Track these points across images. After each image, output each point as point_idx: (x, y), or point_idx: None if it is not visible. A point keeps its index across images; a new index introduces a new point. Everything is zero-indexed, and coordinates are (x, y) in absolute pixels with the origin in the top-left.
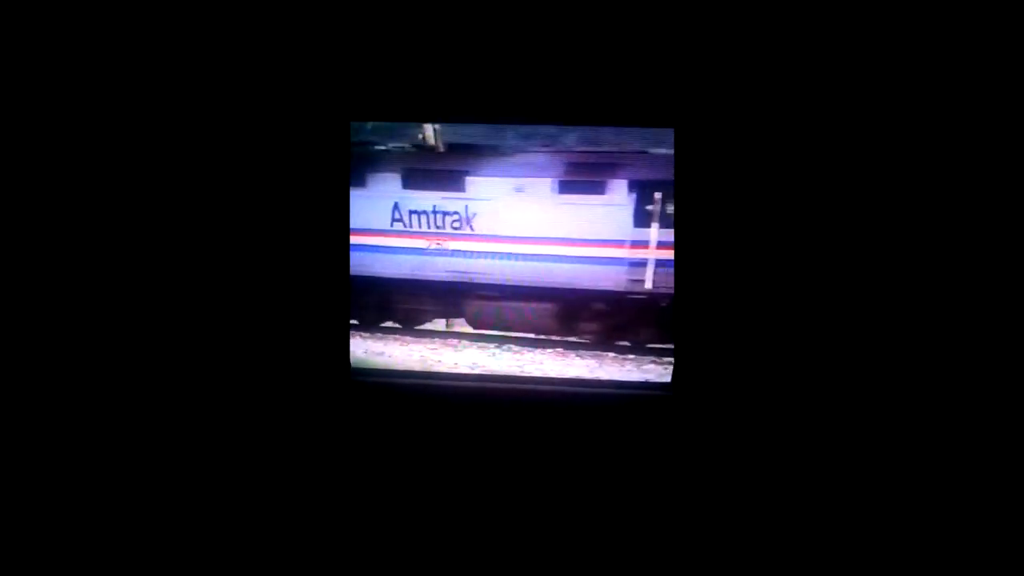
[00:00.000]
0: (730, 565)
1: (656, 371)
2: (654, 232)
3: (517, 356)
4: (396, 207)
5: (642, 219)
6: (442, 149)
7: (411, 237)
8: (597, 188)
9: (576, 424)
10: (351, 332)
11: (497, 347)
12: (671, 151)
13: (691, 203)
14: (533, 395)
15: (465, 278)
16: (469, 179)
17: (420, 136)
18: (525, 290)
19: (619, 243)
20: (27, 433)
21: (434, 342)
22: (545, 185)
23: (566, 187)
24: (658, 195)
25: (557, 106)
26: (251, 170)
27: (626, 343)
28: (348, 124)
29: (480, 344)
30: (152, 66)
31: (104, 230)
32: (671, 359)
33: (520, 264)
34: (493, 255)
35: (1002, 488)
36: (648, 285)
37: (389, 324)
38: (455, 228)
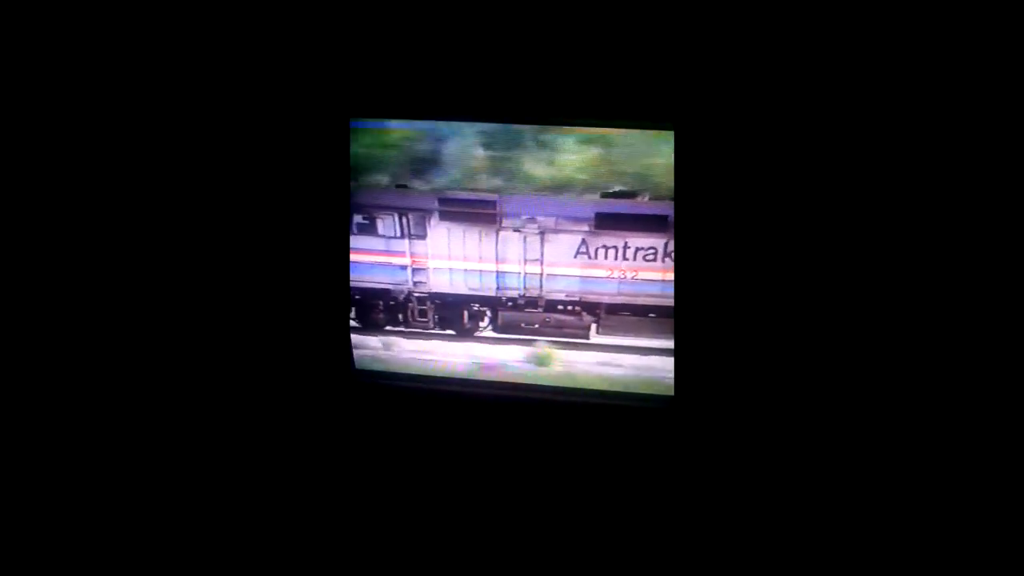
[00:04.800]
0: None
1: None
2: None
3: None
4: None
5: None
6: None
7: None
8: None
9: (579, 430)
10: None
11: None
12: None
13: (691, 207)
14: (540, 401)
15: None
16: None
17: None
18: None
19: None
20: (28, 435)
21: None
22: None
23: None
24: None
25: (556, 104)
26: (251, 166)
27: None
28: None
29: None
30: (147, 61)
31: (103, 231)
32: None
33: None
34: None
35: (1006, 501)
36: None
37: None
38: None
